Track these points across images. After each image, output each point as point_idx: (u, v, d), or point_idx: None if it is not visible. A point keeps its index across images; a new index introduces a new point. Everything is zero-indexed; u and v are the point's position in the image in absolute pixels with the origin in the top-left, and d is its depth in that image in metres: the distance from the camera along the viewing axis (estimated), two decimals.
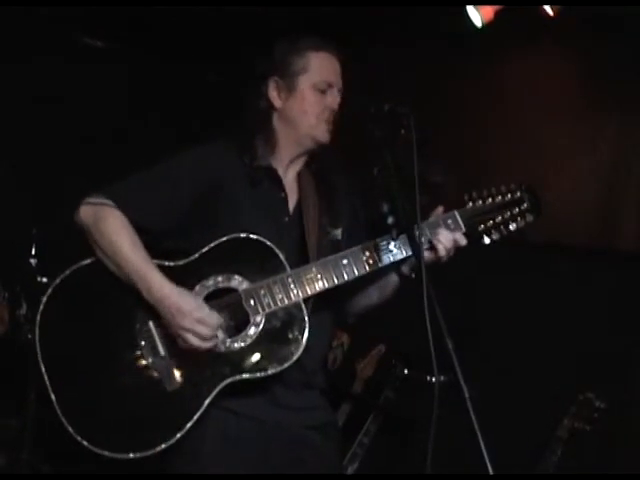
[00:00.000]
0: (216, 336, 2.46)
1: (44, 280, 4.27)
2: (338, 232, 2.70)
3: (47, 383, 2.48)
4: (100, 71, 5.15)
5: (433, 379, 2.05)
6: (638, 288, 4.17)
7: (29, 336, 4.22)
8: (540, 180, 4.48)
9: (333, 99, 2.65)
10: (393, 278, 2.68)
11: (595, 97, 4.43)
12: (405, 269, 2.64)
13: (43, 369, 2.49)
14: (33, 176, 4.89)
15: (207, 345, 2.46)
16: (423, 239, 2.49)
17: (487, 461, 2.01)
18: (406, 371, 4.29)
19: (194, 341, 2.44)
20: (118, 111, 5.20)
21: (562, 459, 3.84)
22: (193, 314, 2.43)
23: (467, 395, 2.07)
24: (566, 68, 4.58)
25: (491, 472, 2.02)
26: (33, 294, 4.30)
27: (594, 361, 4.19)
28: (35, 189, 4.85)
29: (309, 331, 2.49)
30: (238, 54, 5.10)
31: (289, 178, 2.71)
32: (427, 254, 2.54)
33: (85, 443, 2.44)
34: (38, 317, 2.53)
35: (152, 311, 2.50)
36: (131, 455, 2.43)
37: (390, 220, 2.59)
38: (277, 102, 2.67)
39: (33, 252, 4.33)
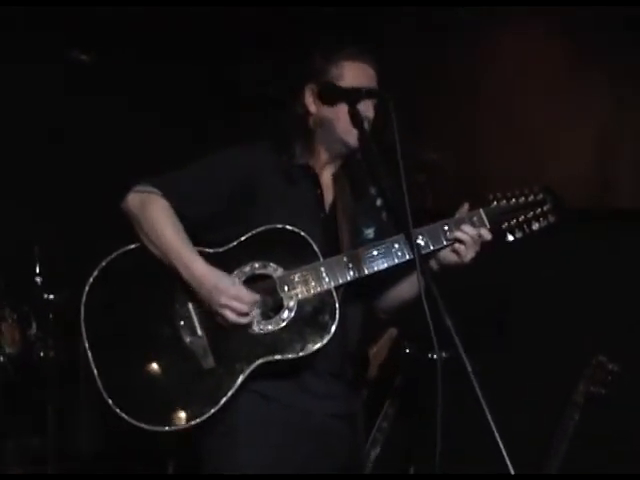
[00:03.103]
0: (252, 313, 2.61)
1: (51, 297, 4.33)
2: (370, 232, 2.84)
3: (90, 358, 2.63)
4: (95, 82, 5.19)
5: (435, 356, 2.10)
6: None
7: (41, 354, 4.31)
8: (535, 155, 4.56)
9: (366, 107, 2.75)
10: None
11: (582, 70, 4.53)
12: (434, 264, 2.76)
13: (87, 345, 2.65)
14: (31, 194, 4.92)
15: (244, 320, 2.62)
16: (448, 235, 2.70)
17: (497, 437, 2.05)
18: (407, 350, 4.33)
19: (232, 316, 2.60)
20: (117, 126, 5.23)
21: (580, 425, 3.87)
22: (229, 291, 2.59)
23: (470, 369, 2.11)
24: (551, 44, 4.64)
25: (502, 448, 2.05)
26: (42, 312, 4.37)
27: (604, 324, 4.23)
28: (34, 206, 4.89)
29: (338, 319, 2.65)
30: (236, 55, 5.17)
31: (325, 178, 2.86)
32: (452, 253, 2.70)
33: (124, 415, 2.58)
34: (83, 297, 2.69)
35: (191, 293, 2.67)
36: (166, 428, 2.59)
37: (379, 202, 2.74)
38: (312, 108, 2.81)
39: (37, 270, 4.39)
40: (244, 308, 2.60)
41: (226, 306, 2.59)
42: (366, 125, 2.72)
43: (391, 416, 4.37)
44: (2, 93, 4.70)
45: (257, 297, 2.63)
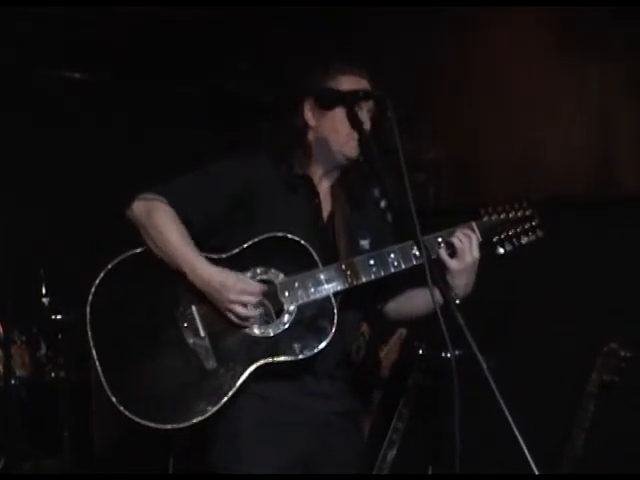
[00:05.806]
0: (262, 303, 2.71)
1: (59, 317, 4.33)
2: (366, 242, 2.91)
3: (95, 358, 2.69)
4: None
5: (449, 355, 2.08)
6: None
7: (52, 375, 4.30)
8: (532, 138, 4.53)
9: (364, 118, 2.80)
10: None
11: (574, 49, 4.49)
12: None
13: (92, 344, 2.71)
14: (35, 216, 4.92)
15: (254, 313, 2.70)
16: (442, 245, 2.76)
17: (516, 431, 2.03)
18: (420, 351, 4.31)
19: (242, 311, 2.68)
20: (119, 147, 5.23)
21: (596, 414, 3.83)
22: (237, 286, 2.67)
23: (485, 366, 2.09)
24: (542, 26, 4.60)
25: (521, 442, 2.03)
26: (50, 333, 4.36)
27: (613, 311, 4.18)
28: (38, 228, 4.88)
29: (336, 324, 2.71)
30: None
31: (323, 189, 2.93)
32: (451, 259, 2.75)
33: (127, 413, 2.64)
34: (90, 299, 2.75)
35: (194, 296, 2.74)
36: (168, 426, 2.65)
37: (383, 204, 2.78)
38: (311, 121, 2.89)
39: (44, 291, 4.38)
40: (252, 300, 2.68)
41: (235, 301, 2.66)
42: (366, 127, 2.76)
43: (406, 416, 4.35)
44: None
45: (263, 286, 2.70)
